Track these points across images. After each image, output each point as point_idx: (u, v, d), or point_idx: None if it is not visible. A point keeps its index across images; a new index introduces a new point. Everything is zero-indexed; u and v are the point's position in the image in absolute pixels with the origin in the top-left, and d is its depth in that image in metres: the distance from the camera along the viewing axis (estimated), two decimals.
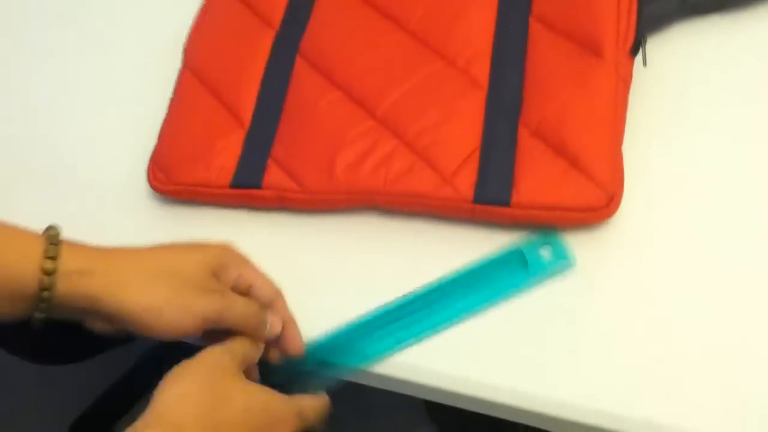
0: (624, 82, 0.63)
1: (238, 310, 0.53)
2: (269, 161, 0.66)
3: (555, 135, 0.61)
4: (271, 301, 0.57)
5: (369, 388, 0.60)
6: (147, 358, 1.21)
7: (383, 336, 0.58)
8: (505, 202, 0.59)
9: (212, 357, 0.51)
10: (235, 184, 0.65)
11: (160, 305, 0.51)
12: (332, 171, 0.63)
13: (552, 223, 0.60)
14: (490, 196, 0.60)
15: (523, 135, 0.62)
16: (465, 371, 0.57)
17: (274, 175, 0.65)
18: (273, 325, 0.56)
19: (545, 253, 0.59)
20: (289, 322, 0.57)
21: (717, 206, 0.60)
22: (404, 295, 0.60)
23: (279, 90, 0.69)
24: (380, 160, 0.63)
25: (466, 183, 0.61)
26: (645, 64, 0.64)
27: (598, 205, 0.59)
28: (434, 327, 0.58)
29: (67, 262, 0.51)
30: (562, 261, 0.59)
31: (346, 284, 0.62)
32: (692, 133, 0.64)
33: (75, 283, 0.51)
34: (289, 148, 0.66)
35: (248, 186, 0.65)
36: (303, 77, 0.69)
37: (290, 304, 0.60)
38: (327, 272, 0.63)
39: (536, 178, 0.60)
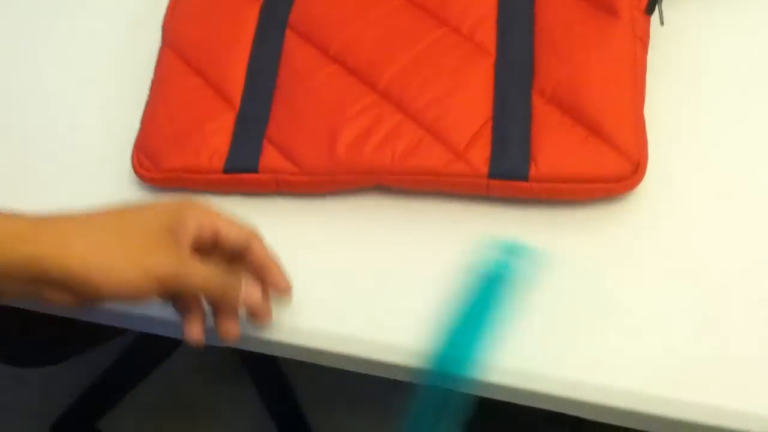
0: (642, 41, 0.59)
1: (198, 275, 0.49)
2: (264, 142, 0.61)
3: (572, 101, 0.57)
4: (244, 246, 0.52)
5: None
6: (126, 357, 1.19)
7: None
8: (523, 176, 0.56)
9: None
10: (229, 169, 0.61)
11: (109, 262, 0.47)
12: (333, 150, 0.59)
13: (573, 196, 0.57)
14: (507, 170, 0.56)
15: (538, 102, 0.58)
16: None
17: (270, 158, 0.61)
18: (249, 294, 0.52)
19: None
20: (269, 264, 0.53)
21: (745, 172, 0.57)
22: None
23: (269, 66, 0.65)
24: (385, 136, 0.59)
25: (479, 157, 0.57)
26: (662, 22, 0.61)
27: (623, 175, 0.55)
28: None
29: (1, 228, 0.47)
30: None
31: (354, 271, 0.58)
32: (715, 93, 0.60)
33: (14, 248, 0.46)
34: (285, 128, 0.61)
35: (243, 170, 0.61)
36: (295, 51, 0.65)
37: (294, 294, 0.56)
38: (332, 258, 0.59)
39: (555, 148, 0.56)
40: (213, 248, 0.52)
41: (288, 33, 0.66)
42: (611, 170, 0.55)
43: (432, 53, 0.61)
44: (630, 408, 0.51)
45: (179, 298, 0.51)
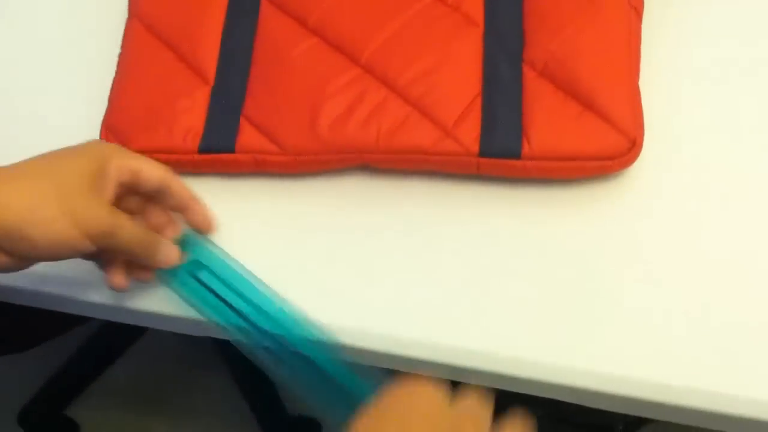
0: (636, 10, 0.57)
1: (126, 233, 0.49)
2: (241, 120, 0.58)
3: (565, 74, 0.55)
4: (164, 186, 0.52)
5: None
6: (93, 342, 1.16)
7: None
8: (515, 154, 0.54)
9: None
10: (205, 149, 0.58)
11: (46, 216, 0.46)
12: (315, 128, 0.56)
13: (567, 175, 0.55)
14: (498, 148, 0.54)
15: (529, 76, 0.56)
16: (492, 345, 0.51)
17: (248, 136, 0.58)
18: (168, 254, 0.52)
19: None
20: (190, 201, 0.54)
21: (746, 146, 0.55)
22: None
23: (245, 38, 0.61)
24: (370, 113, 0.56)
25: (469, 135, 0.54)
26: None
27: (619, 151, 0.53)
28: None
29: None
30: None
31: (338, 254, 0.56)
32: (713, 63, 0.58)
33: None
34: (263, 105, 0.58)
35: (220, 150, 0.58)
36: (271, 23, 0.61)
37: (276, 280, 0.53)
38: (315, 242, 0.56)
39: (548, 124, 0.54)
40: (132, 190, 0.52)
41: (263, 2, 0.62)
42: (607, 147, 0.53)
43: (417, 24, 0.59)
44: (623, 394, 0.49)
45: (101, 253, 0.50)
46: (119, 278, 0.52)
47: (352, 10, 0.60)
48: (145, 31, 0.63)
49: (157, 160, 0.57)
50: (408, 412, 0.38)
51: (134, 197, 0.53)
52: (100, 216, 0.48)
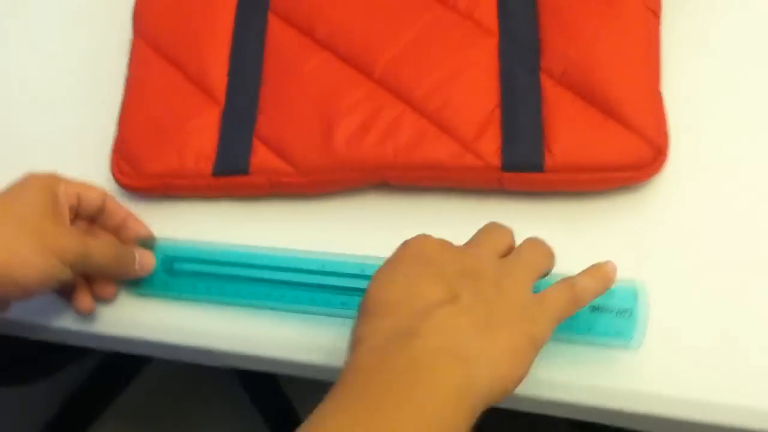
0: (653, 13, 0.56)
1: (98, 251, 0.50)
2: (254, 141, 0.57)
3: (584, 81, 0.54)
4: (101, 207, 0.54)
5: None
6: (104, 365, 1.15)
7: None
8: (538, 167, 0.52)
9: None
10: (219, 171, 0.57)
11: (24, 254, 0.47)
12: (330, 146, 0.55)
13: (592, 187, 0.53)
14: (521, 161, 0.53)
15: (548, 84, 0.54)
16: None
17: (262, 157, 0.56)
18: (143, 261, 0.54)
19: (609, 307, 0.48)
20: (127, 217, 0.55)
21: None
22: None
23: (254, 55, 0.60)
24: (386, 128, 0.55)
25: (490, 148, 0.53)
26: None
27: (644, 161, 0.52)
28: None
29: None
30: (622, 338, 0.47)
31: None
32: (734, 65, 0.56)
33: None
34: (276, 124, 0.57)
35: (234, 172, 0.57)
36: (280, 38, 0.60)
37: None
38: None
39: (570, 134, 0.53)
40: (77, 214, 0.53)
41: (271, 17, 0.61)
42: (632, 156, 0.52)
43: (429, 35, 0.57)
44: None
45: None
46: (86, 302, 0.53)
47: (361, 21, 0.59)
48: (150, 51, 0.62)
49: (170, 184, 0.57)
50: (415, 258, 0.42)
51: (81, 221, 0.54)
52: (71, 241, 0.49)
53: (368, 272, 0.44)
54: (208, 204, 0.58)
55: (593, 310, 0.47)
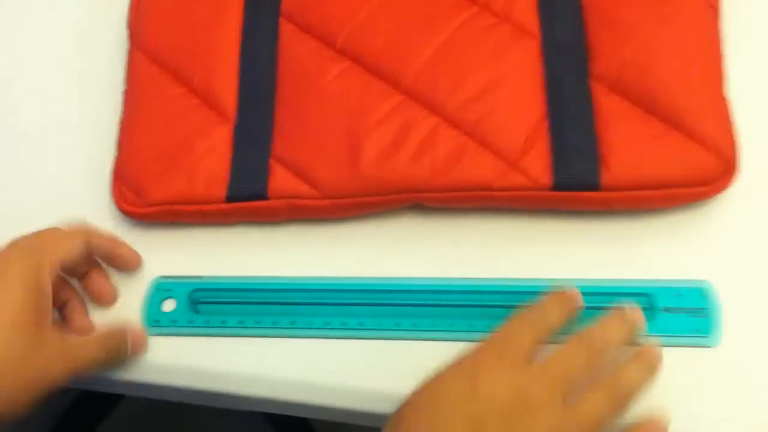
0: (712, 8, 0.51)
1: (87, 355, 0.46)
2: (271, 161, 0.52)
3: (641, 87, 0.49)
4: (88, 252, 0.49)
5: None
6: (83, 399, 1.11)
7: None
8: (594, 185, 0.47)
9: None
10: (233, 197, 0.51)
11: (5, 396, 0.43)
12: (357, 166, 0.50)
13: (654, 205, 0.48)
14: (574, 179, 0.47)
15: (599, 92, 0.49)
16: None
17: (280, 179, 0.51)
18: (135, 344, 0.49)
19: (683, 307, 0.47)
20: (114, 247, 0.51)
21: None
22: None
23: (266, 65, 0.55)
24: (419, 145, 0.49)
25: (538, 165, 0.48)
26: None
27: (714, 175, 0.47)
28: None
29: None
30: (702, 335, 0.46)
31: None
32: None
33: None
34: (295, 142, 0.52)
35: (250, 197, 0.51)
36: (295, 45, 0.55)
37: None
38: None
39: (627, 148, 0.48)
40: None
41: (282, 23, 0.56)
42: (699, 170, 0.47)
43: (463, 39, 0.52)
44: None
45: None
46: (81, 320, 0.50)
47: (386, 25, 0.53)
48: (150, 64, 0.57)
49: (179, 211, 0.52)
50: (435, 404, 0.39)
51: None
52: (56, 364, 0.45)
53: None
54: (221, 230, 0.53)
55: (664, 311, 0.46)
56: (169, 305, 0.51)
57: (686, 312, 0.46)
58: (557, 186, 0.47)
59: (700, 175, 0.47)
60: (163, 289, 0.51)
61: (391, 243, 0.51)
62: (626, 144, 0.48)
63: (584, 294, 0.44)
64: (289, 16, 0.56)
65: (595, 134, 0.48)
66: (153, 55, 0.56)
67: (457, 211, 0.51)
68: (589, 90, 0.50)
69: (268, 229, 0.53)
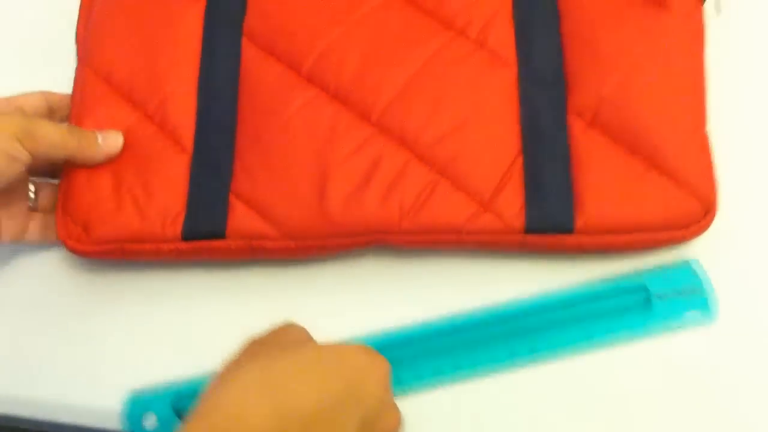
0: (697, 38, 0.52)
1: (46, 124, 0.50)
2: (231, 197, 0.52)
3: (621, 123, 0.50)
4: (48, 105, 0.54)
5: None
6: None
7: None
8: (568, 228, 0.49)
9: None
10: (189, 235, 0.52)
11: None
12: (323, 206, 0.51)
13: (628, 248, 0.50)
14: (547, 223, 0.49)
15: (577, 128, 0.51)
16: None
17: (240, 218, 0.52)
18: (108, 136, 0.53)
19: (676, 291, 0.49)
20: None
21: None
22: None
23: (226, 90, 0.55)
24: (389, 184, 0.50)
25: (511, 207, 0.49)
26: (718, 11, 0.53)
27: (693, 218, 0.49)
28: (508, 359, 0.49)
29: None
30: (699, 311, 0.49)
31: None
32: None
33: None
34: (257, 177, 0.52)
35: (207, 236, 0.52)
36: (257, 69, 0.55)
37: None
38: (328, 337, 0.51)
39: (604, 188, 0.49)
40: None
41: (245, 44, 0.56)
42: (678, 213, 0.49)
43: (437, 67, 0.53)
44: None
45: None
46: None
47: (357, 49, 0.54)
48: (100, 83, 0.56)
49: (131, 250, 0.52)
50: (280, 337, 0.44)
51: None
52: (12, 118, 0.49)
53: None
54: (176, 269, 0.53)
55: (658, 298, 0.49)
56: (150, 421, 0.50)
57: (679, 293, 0.49)
58: (529, 229, 0.49)
59: (679, 218, 0.49)
60: (140, 404, 0.51)
61: (356, 285, 0.52)
62: (603, 184, 0.49)
63: (580, 300, 0.48)
64: (252, 36, 0.56)
65: (571, 173, 0.49)
66: (103, 73, 0.56)
67: (427, 252, 0.52)
68: (567, 124, 0.51)
69: (224, 271, 0.53)
